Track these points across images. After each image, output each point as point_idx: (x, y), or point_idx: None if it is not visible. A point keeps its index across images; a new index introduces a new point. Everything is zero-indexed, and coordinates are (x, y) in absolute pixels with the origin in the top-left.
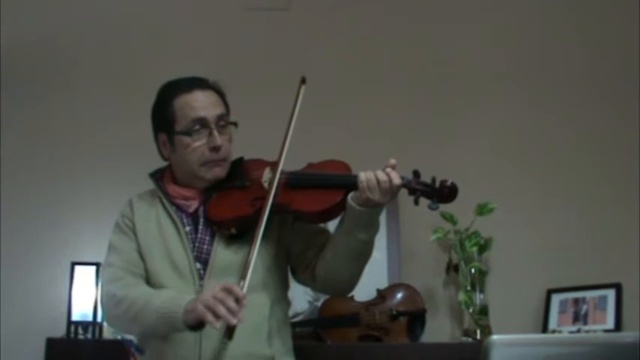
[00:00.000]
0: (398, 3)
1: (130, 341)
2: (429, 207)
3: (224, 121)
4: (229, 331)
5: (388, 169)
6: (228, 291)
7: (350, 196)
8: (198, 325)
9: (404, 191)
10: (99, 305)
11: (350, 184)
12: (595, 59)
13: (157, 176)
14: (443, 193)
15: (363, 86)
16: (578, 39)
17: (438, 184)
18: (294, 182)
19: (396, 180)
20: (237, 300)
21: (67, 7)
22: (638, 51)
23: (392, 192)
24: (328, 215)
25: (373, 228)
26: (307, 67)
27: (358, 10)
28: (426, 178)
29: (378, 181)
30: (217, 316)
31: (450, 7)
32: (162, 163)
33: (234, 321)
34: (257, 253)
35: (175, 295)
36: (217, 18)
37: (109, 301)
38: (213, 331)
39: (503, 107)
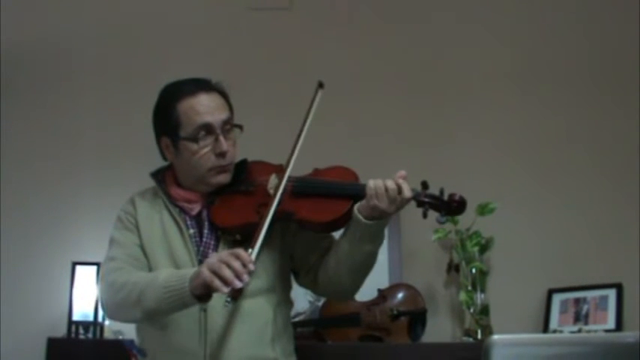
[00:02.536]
0: (399, 3)
1: (132, 342)
2: (437, 220)
3: (229, 125)
4: (235, 293)
5: (400, 180)
6: (236, 255)
7: (356, 207)
8: (205, 296)
9: None
10: (99, 305)
11: (358, 194)
12: (596, 58)
13: (159, 177)
14: (451, 207)
15: (364, 85)
16: (578, 39)
17: (446, 198)
18: (300, 190)
19: (407, 193)
20: (244, 264)
21: (68, 8)
22: (639, 51)
23: (399, 202)
24: (335, 225)
25: (378, 240)
26: (309, 66)
27: (359, 9)
28: (431, 185)
29: (386, 189)
30: (223, 280)
31: (450, 7)
32: (164, 164)
33: (238, 284)
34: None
35: (177, 270)
36: (220, 18)
37: (109, 290)
38: (216, 331)
39: (503, 107)
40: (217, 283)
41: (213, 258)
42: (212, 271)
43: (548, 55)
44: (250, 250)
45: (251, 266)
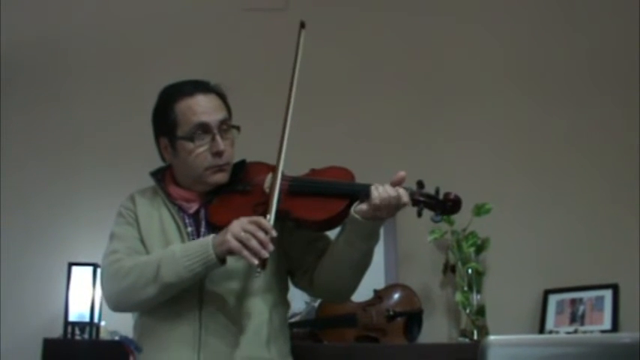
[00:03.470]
0: (396, 3)
1: (128, 339)
2: (432, 219)
3: (226, 125)
4: (262, 262)
5: (401, 191)
6: (258, 224)
7: (354, 208)
8: (224, 260)
9: None
10: (96, 306)
11: (355, 193)
12: (594, 59)
13: (159, 176)
14: (446, 206)
15: (361, 87)
16: (578, 39)
17: (441, 197)
18: (296, 189)
19: (405, 198)
20: (266, 232)
21: (67, 10)
22: (638, 52)
23: (398, 209)
24: (331, 224)
25: (374, 239)
26: (306, 66)
27: (356, 10)
28: (428, 185)
29: (390, 200)
30: (249, 250)
31: (450, 7)
32: (161, 165)
33: (265, 254)
34: None
35: (185, 243)
36: (216, 19)
37: (114, 278)
38: (211, 331)
39: (500, 108)
40: (246, 253)
41: (236, 226)
42: (239, 241)
43: (546, 57)
44: (268, 217)
45: (273, 232)
